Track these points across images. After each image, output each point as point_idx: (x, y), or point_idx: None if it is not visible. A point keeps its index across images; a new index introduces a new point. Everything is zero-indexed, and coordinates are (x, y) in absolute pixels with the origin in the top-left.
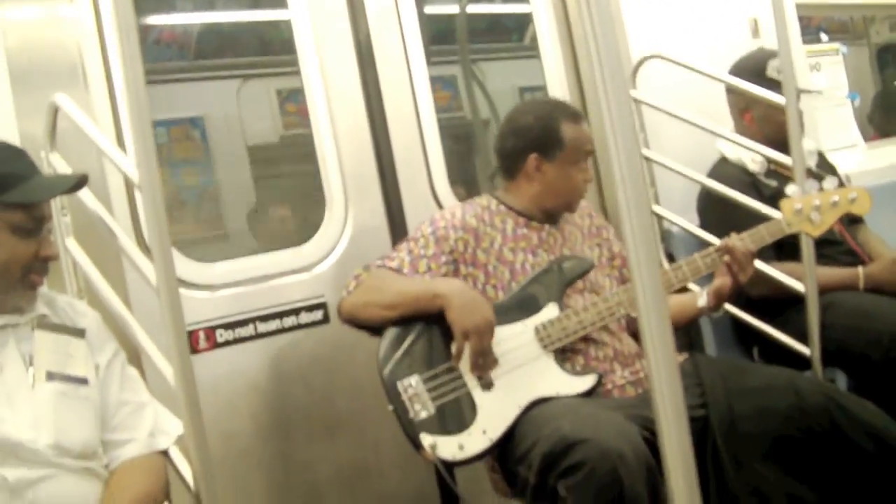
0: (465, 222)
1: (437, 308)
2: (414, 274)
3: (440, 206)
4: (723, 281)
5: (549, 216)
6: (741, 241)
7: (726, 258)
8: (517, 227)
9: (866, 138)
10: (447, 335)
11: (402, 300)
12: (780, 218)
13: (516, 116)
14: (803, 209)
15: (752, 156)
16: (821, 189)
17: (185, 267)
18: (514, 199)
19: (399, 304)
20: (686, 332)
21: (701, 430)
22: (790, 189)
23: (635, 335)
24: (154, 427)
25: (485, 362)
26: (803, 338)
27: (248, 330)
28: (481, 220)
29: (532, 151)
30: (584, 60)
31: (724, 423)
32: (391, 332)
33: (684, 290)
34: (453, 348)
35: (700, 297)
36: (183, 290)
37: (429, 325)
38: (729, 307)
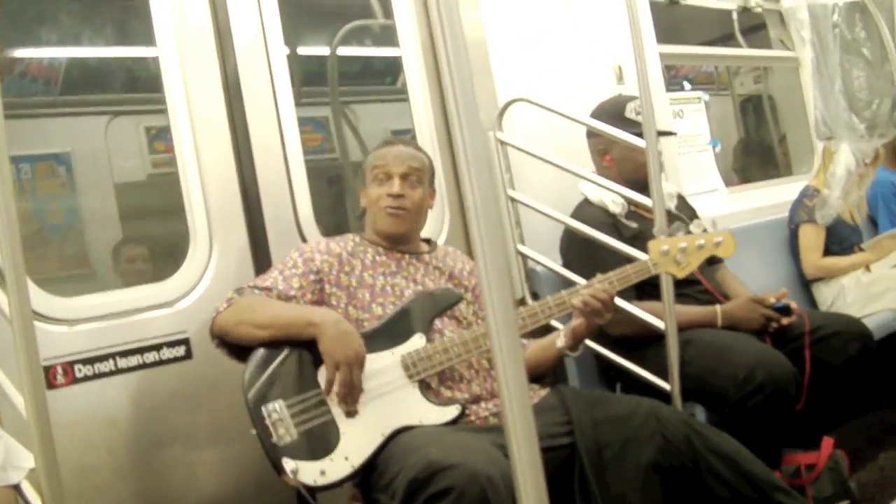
0: (329, 248)
1: (310, 336)
2: (288, 290)
3: (305, 241)
4: (579, 322)
5: (403, 245)
6: (607, 281)
7: (584, 298)
8: (377, 255)
9: (732, 185)
10: (314, 361)
11: (275, 322)
12: (646, 258)
13: None
14: (670, 251)
15: (613, 197)
16: (688, 232)
17: (44, 301)
18: (370, 232)
19: (271, 326)
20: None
21: (568, 458)
22: (657, 230)
23: None
24: (5, 461)
25: (352, 395)
26: (663, 373)
27: (107, 365)
28: (345, 248)
29: (361, 184)
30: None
31: (591, 451)
32: (257, 356)
33: (550, 329)
34: (320, 377)
35: (558, 337)
36: (42, 325)
37: (296, 349)
38: (592, 344)
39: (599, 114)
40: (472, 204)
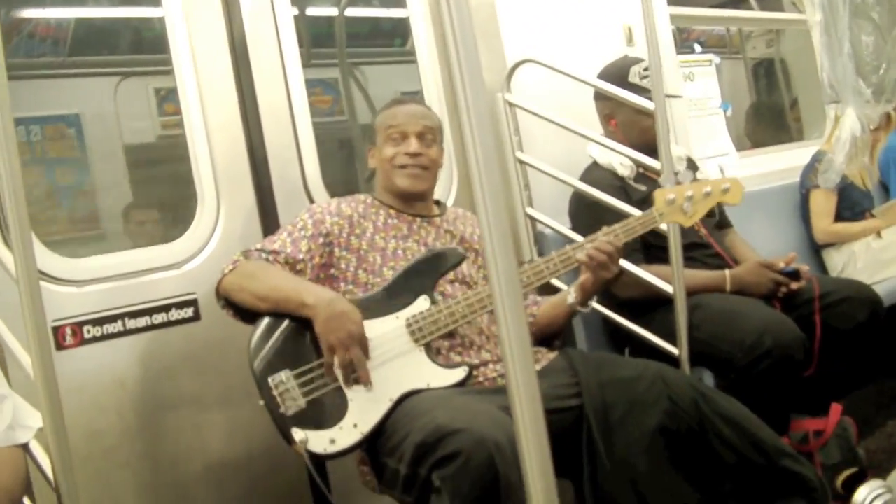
0: (340, 210)
1: (304, 316)
2: (296, 254)
3: (313, 203)
4: (587, 276)
5: (415, 206)
6: (612, 233)
7: (589, 252)
8: (388, 217)
9: (743, 150)
10: None
11: (272, 295)
12: (651, 209)
13: None
14: (676, 199)
15: (622, 160)
16: (694, 179)
17: (53, 262)
18: (381, 193)
19: (269, 299)
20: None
21: (576, 420)
22: (663, 178)
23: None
24: (13, 420)
25: (357, 373)
26: (671, 338)
27: (116, 326)
28: (356, 210)
29: (369, 144)
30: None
31: (599, 412)
32: (262, 326)
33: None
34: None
35: (569, 294)
36: (50, 285)
37: (300, 319)
38: (600, 308)
39: (605, 77)
40: (475, 165)
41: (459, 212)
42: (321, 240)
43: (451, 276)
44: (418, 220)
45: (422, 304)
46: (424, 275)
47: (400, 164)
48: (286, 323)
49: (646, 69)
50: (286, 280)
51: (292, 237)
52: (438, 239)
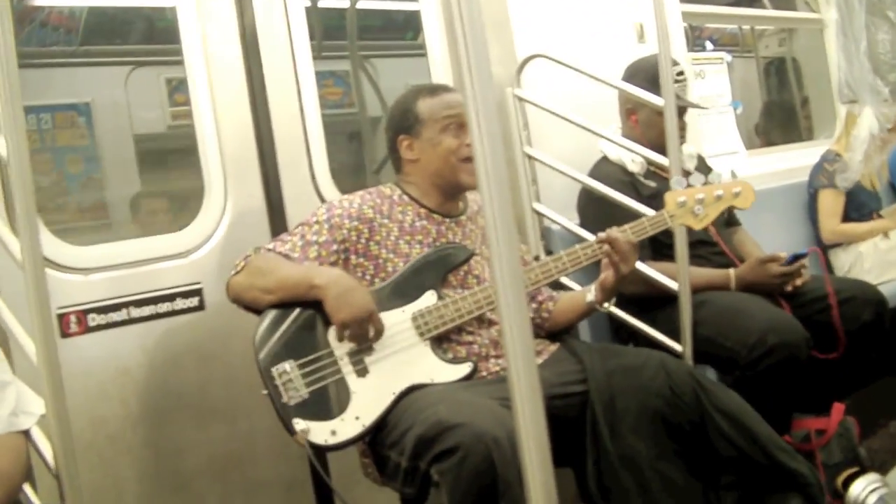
0: (361, 212)
1: (314, 298)
2: (304, 259)
3: (321, 196)
4: (607, 273)
5: (448, 205)
6: (622, 232)
7: (606, 248)
8: (417, 218)
9: (753, 148)
10: (324, 321)
11: (281, 286)
12: (662, 211)
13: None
14: (687, 202)
15: (633, 156)
16: (706, 182)
17: (59, 249)
18: (411, 188)
19: (278, 290)
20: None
21: (581, 407)
22: (674, 181)
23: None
24: (16, 406)
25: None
26: (675, 334)
27: (121, 315)
28: (379, 210)
29: (399, 134)
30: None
31: (604, 397)
32: (269, 316)
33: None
34: (330, 336)
35: (588, 292)
36: (55, 273)
37: (306, 309)
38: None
39: (635, 72)
40: (482, 159)
41: (479, 199)
42: (335, 246)
43: (472, 282)
44: (447, 221)
45: (428, 298)
46: (432, 270)
47: (465, 156)
48: (292, 314)
49: (679, 73)
50: (294, 268)
51: (304, 240)
52: (464, 240)
